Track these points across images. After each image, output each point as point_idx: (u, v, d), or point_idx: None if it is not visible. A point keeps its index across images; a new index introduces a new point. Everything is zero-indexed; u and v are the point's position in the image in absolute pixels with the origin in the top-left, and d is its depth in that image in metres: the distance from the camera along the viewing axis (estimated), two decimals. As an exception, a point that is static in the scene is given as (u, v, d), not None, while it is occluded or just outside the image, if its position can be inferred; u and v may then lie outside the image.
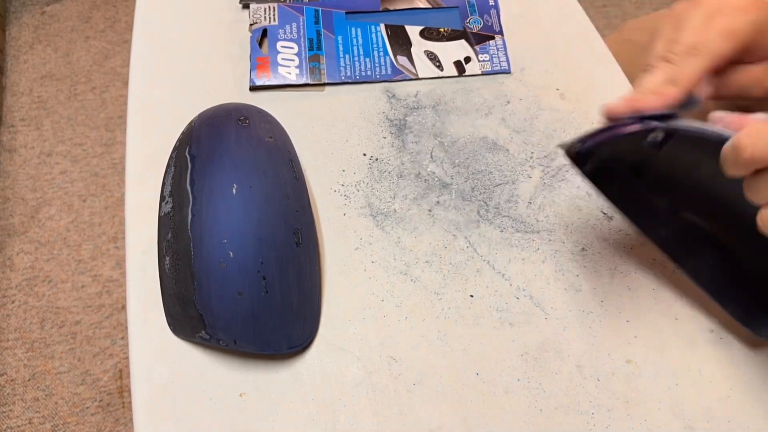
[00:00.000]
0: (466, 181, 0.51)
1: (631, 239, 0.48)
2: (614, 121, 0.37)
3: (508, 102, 0.56)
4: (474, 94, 0.56)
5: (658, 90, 0.36)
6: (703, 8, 0.37)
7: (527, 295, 0.45)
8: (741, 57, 0.38)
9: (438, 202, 0.50)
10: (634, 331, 0.44)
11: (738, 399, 0.42)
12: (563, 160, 0.52)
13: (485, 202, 0.50)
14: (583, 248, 0.48)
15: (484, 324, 0.44)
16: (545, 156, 0.53)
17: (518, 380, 0.42)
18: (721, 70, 0.38)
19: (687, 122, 0.35)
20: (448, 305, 0.45)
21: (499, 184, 0.51)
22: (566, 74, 0.58)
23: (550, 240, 0.48)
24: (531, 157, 0.53)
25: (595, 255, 0.48)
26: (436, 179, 0.51)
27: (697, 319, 0.45)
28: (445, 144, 0.53)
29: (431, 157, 0.52)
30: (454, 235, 0.48)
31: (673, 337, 0.44)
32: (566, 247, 0.48)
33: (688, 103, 0.36)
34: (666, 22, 0.39)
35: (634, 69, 0.61)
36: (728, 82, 0.39)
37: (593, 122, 0.55)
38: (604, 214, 0.49)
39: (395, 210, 0.49)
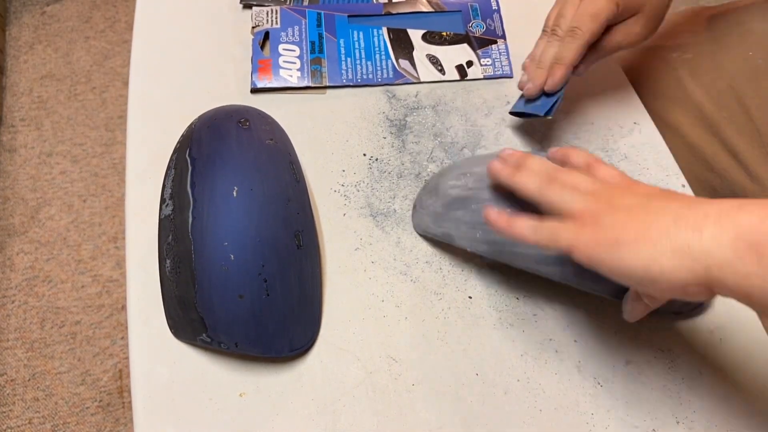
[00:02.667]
0: (466, 181, 0.51)
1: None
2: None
3: (508, 102, 0.56)
4: (474, 94, 0.56)
5: (550, 71, 0.47)
6: None
7: (527, 295, 0.46)
8: (613, 20, 0.46)
9: (438, 203, 0.50)
10: (634, 331, 0.44)
11: (738, 400, 0.42)
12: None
13: (485, 203, 0.50)
14: (582, 249, 0.48)
15: (484, 324, 0.44)
16: (545, 157, 0.53)
17: (518, 380, 0.42)
18: (594, 41, 0.47)
19: None
20: (447, 305, 0.45)
21: (499, 185, 0.51)
22: (566, 75, 0.58)
23: (549, 240, 0.48)
24: (531, 158, 0.53)
25: (595, 255, 0.48)
26: (436, 180, 0.51)
27: (696, 321, 0.45)
28: (445, 144, 0.53)
29: (431, 157, 0.52)
30: (454, 236, 0.48)
31: (672, 338, 0.44)
32: (566, 247, 0.48)
33: (564, 83, 0.48)
34: None
35: (634, 74, 0.61)
36: (604, 45, 0.48)
37: (592, 122, 0.55)
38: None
39: (395, 210, 0.49)
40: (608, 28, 0.47)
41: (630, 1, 0.47)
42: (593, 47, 0.48)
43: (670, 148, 0.54)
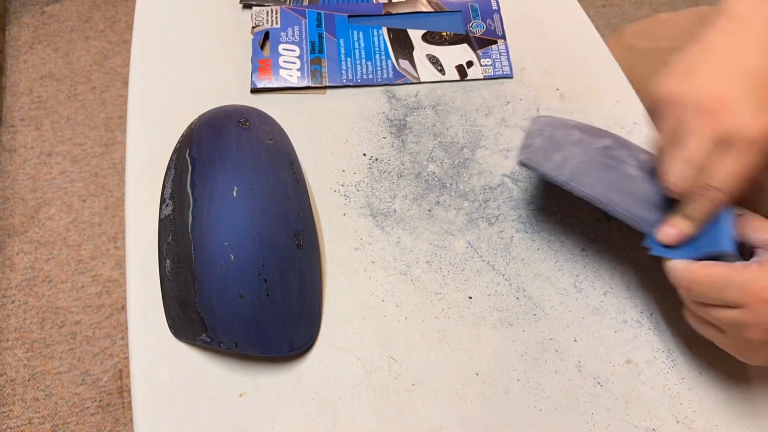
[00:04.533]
0: (466, 181, 0.51)
1: (631, 239, 0.48)
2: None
3: (508, 102, 0.56)
4: (474, 94, 0.56)
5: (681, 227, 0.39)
6: (711, 127, 0.36)
7: (527, 295, 0.46)
8: None
9: (438, 202, 0.50)
10: (634, 331, 0.44)
11: (738, 400, 0.42)
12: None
13: (485, 203, 0.50)
14: (583, 248, 0.48)
15: (484, 324, 0.44)
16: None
17: (518, 380, 0.42)
18: None
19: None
20: (447, 305, 0.45)
21: (500, 185, 0.51)
22: (566, 74, 0.58)
23: (549, 240, 0.48)
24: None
25: (595, 255, 0.48)
26: (436, 179, 0.51)
27: (696, 320, 0.45)
28: (445, 144, 0.53)
29: (431, 157, 0.52)
30: (453, 236, 0.48)
31: (673, 338, 0.44)
32: (566, 247, 0.48)
33: None
34: (662, 112, 0.39)
35: (634, 75, 0.61)
36: None
37: (592, 122, 0.55)
38: (604, 215, 0.50)
39: (395, 210, 0.49)
40: None
41: None
42: None
43: None
